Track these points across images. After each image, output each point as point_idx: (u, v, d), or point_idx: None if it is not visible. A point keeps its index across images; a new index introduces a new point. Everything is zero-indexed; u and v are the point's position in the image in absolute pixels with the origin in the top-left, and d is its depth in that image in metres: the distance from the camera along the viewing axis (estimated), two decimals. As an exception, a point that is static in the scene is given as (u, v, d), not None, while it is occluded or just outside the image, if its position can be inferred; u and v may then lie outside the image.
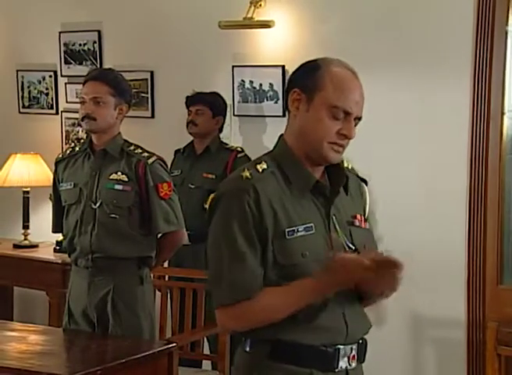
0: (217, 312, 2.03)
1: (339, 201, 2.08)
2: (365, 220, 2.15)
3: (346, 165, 2.16)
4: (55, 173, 3.53)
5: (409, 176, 4.17)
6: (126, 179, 3.34)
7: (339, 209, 2.08)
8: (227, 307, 2.00)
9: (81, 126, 3.85)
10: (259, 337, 2.03)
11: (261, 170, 2.03)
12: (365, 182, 2.22)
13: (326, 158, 2.04)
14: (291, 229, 1.99)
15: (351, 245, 2.06)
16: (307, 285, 1.97)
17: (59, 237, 4.44)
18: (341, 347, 2.03)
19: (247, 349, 2.06)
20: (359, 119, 2.05)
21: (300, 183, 2.04)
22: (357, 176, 2.20)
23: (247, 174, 2.01)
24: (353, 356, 2.06)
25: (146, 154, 3.38)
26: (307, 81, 2.03)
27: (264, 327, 2.00)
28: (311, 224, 2.01)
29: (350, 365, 2.05)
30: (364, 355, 2.11)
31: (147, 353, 3.09)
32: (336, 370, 2.04)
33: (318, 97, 2.01)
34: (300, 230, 2.00)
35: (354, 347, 2.06)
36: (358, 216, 2.12)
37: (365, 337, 2.12)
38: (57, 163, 3.53)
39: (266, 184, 2.00)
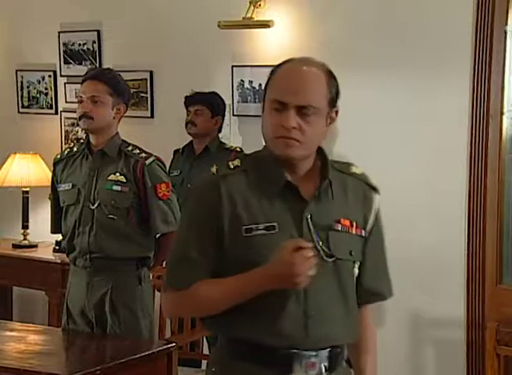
0: (161, 295, 2.12)
1: (321, 204, 2.02)
2: (362, 227, 2.06)
3: (353, 170, 2.11)
4: (53, 173, 3.53)
5: (408, 176, 4.17)
6: (124, 180, 3.33)
7: (319, 211, 2.02)
8: (167, 292, 2.06)
9: (79, 126, 3.84)
10: (219, 333, 2.06)
11: (232, 167, 2.05)
12: (375, 190, 2.13)
13: (279, 154, 2.00)
14: (249, 227, 1.97)
15: (326, 249, 2.00)
16: (251, 276, 1.95)
17: (59, 237, 4.44)
18: (296, 351, 1.98)
19: (217, 344, 2.09)
20: (305, 107, 1.97)
21: (270, 183, 2.01)
22: (366, 183, 2.13)
23: (214, 170, 2.06)
24: (312, 364, 1.98)
25: (144, 154, 3.38)
26: (266, 82, 2.06)
27: (222, 323, 2.00)
28: (274, 224, 1.98)
29: (306, 372, 1.98)
30: (335, 365, 2.02)
31: (146, 353, 3.09)
32: None
33: (267, 94, 2.04)
34: (260, 228, 1.97)
35: (314, 354, 1.98)
36: (344, 221, 2.04)
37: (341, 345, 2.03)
38: (55, 164, 3.52)
39: (231, 181, 2.01)
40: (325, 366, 2.00)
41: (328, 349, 2.01)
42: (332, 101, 2.03)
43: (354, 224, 2.06)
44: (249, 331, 1.98)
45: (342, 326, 2.03)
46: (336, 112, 2.06)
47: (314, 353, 1.99)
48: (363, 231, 2.08)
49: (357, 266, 2.07)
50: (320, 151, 2.07)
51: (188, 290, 2.00)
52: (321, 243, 2.00)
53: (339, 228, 2.04)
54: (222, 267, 2.00)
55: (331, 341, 2.01)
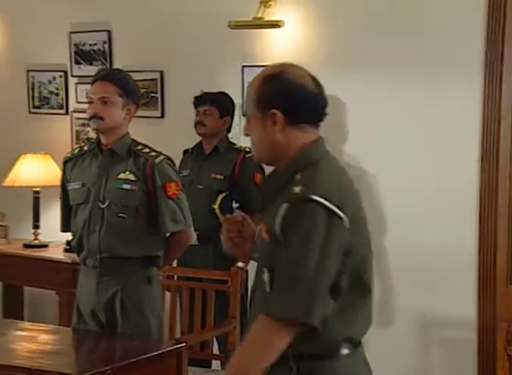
0: None
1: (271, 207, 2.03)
2: (268, 233, 1.98)
3: (294, 183, 2.00)
4: (63, 172, 3.54)
5: (419, 176, 4.15)
6: (134, 178, 3.33)
7: (268, 214, 2.04)
8: None
9: (89, 126, 3.85)
10: None
11: None
12: (287, 201, 1.95)
13: None
14: None
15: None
16: None
17: (69, 236, 4.45)
18: None
19: None
20: (244, 115, 2.11)
21: None
22: (290, 192, 1.96)
23: None
24: None
25: (153, 153, 3.38)
26: None
27: None
28: None
29: None
30: None
31: (156, 353, 3.09)
32: None
33: None
34: None
35: None
36: (262, 224, 2.04)
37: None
38: (65, 163, 3.53)
39: None
40: None
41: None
42: (263, 103, 2.05)
43: (265, 228, 2.01)
44: None
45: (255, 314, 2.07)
46: (273, 114, 2.02)
47: None
48: (267, 236, 1.99)
49: (266, 271, 1.98)
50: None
51: None
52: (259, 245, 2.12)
53: (257, 230, 2.11)
54: None
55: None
